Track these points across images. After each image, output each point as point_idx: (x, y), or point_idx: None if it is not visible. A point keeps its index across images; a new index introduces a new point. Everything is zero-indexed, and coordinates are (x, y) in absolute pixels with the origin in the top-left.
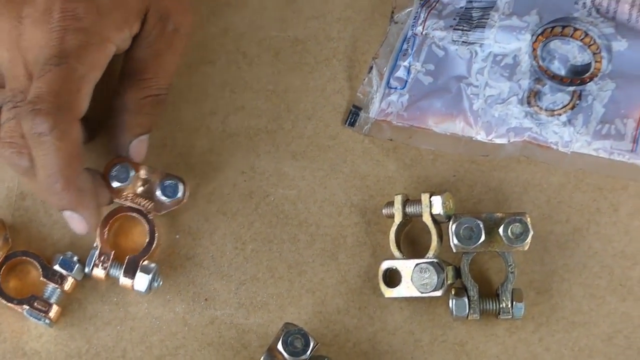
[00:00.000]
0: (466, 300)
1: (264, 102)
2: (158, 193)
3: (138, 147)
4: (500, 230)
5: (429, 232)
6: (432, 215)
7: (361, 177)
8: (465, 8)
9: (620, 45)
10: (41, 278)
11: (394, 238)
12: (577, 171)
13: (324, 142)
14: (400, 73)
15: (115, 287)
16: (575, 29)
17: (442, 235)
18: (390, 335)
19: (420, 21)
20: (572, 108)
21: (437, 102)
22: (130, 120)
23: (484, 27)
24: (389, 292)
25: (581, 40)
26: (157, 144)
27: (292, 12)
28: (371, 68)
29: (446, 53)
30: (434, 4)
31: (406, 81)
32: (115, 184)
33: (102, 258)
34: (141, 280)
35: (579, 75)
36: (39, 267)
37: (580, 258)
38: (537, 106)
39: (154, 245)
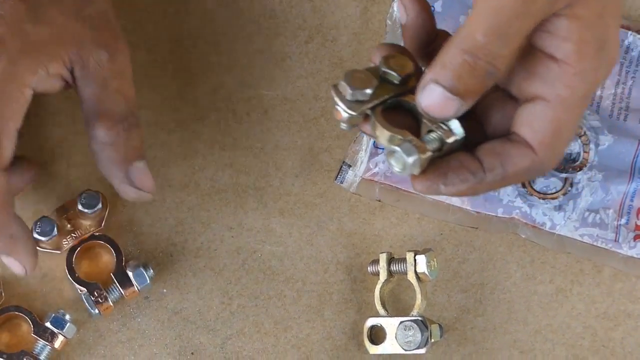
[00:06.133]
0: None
1: (253, 160)
2: (80, 208)
3: (139, 176)
4: None
5: (413, 290)
6: (416, 274)
7: (347, 235)
8: None
9: (606, 139)
10: (32, 334)
11: (378, 295)
12: None
13: (311, 200)
14: None
15: (103, 340)
16: None
17: (426, 294)
18: None
19: None
20: (564, 194)
21: None
22: (110, 154)
23: None
24: (373, 349)
25: None
26: None
27: (282, 71)
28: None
29: None
30: None
31: None
32: (44, 238)
33: (96, 293)
34: (140, 278)
35: (570, 164)
36: (31, 323)
37: (564, 318)
38: (531, 188)
39: (122, 254)
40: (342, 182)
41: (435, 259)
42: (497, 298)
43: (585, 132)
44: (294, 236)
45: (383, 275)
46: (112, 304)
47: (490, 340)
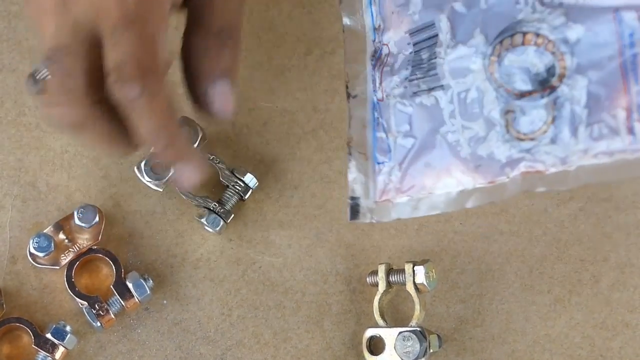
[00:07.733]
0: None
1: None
2: (76, 221)
3: (217, 96)
4: None
5: (412, 301)
6: (415, 284)
7: (346, 246)
8: (414, 52)
9: (576, 33)
10: (33, 345)
11: (377, 306)
12: (560, 240)
13: (310, 212)
14: (382, 144)
15: (103, 351)
16: (524, 34)
17: (425, 304)
18: None
19: (377, 85)
20: (553, 122)
21: (426, 161)
22: (197, 65)
23: (436, 68)
24: None
25: (534, 43)
26: (147, 210)
27: (281, 84)
28: (350, 155)
29: (413, 108)
30: (385, 58)
31: (389, 151)
32: (41, 254)
33: (97, 306)
34: (140, 289)
35: (546, 83)
36: (31, 334)
37: (562, 329)
38: (516, 131)
39: (121, 266)
40: (357, 218)
41: (433, 270)
42: (496, 308)
43: (549, 39)
44: (293, 247)
45: (382, 286)
46: (113, 316)
47: (488, 351)
